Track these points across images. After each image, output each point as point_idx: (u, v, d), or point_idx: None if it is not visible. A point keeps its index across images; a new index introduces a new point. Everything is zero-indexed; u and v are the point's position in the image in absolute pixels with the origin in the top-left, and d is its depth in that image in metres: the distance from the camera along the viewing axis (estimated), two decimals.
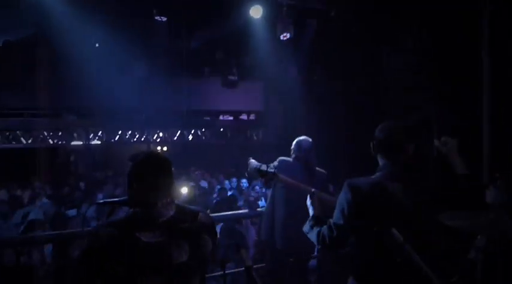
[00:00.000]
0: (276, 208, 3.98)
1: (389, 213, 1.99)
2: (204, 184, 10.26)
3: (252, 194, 7.98)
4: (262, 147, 12.97)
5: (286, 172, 3.70)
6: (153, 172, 1.92)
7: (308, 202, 2.56)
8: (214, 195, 8.43)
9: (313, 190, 2.72)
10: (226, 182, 10.32)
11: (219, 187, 9.32)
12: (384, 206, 2.00)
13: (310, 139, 4.06)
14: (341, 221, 2.05)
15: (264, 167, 3.26)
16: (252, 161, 4.28)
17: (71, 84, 9.15)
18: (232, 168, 11.73)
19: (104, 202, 2.17)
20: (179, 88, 10.64)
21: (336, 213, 2.08)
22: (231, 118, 13.00)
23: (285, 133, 9.70)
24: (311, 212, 2.48)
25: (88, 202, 6.93)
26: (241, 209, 6.51)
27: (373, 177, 2.11)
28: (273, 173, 3.17)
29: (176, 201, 2.01)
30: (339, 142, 8.36)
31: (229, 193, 8.52)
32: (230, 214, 5.09)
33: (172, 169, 2.03)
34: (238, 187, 9.73)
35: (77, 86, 9.03)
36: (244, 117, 13.14)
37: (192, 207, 2.07)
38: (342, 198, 2.07)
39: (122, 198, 2.08)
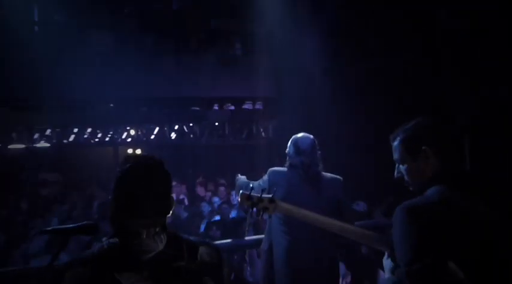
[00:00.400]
0: (274, 243, 3.97)
1: (471, 239, 2.04)
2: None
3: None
4: (271, 146, 13.02)
5: (282, 190, 3.67)
6: (137, 188, 1.92)
7: (386, 260, 2.41)
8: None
9: (347, 225, 2.70)
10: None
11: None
12: (465, 228, 2.05)
13: (311, 136, 4.09)
14: (422, 264, 1.99)
15: (255, 191, 3.08)
16: (241, 179, 4.23)
17: (7, 69, 9.21)
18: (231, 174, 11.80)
19: (53, 230, 2.13)
20: (157, 68, 10.67)
21: (407, 254, 2.03)
22: (231, 107, 13.08)
23: (303, 127, 9.60)
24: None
25: (34, 229, 7.03)
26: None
27: (428, 193, 2.16)
28: (271, 200, 2.98)
29: (169, 229, 2.00)
30: (377, 140, 8.39)
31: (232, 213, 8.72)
32: (233, 243, 5.20)
33: (171, 182, 2.04)
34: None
35: (16, 70, 9.16)
36: (248, 106, 13.20)
37: (192, 238, 2.07)
38: (405, 232, 2.04)
39: (81, 223, 2.08)
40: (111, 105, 11.80)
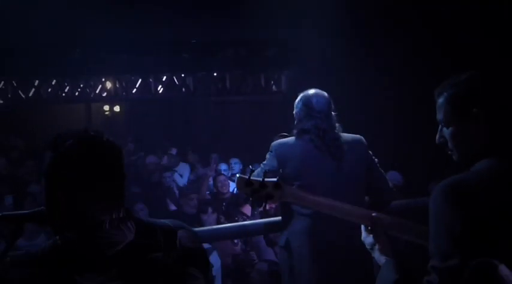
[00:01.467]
0: (292, 235, 3.95)
1: None
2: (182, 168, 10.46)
3: None
4: (285, 104, 12.94)
5: (293, 166, 3.70)
6: (90, 170, 1.92)
7: (366, 238, 2.52)
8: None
9: (373, 214, 2.54)
10: (223, 165, 10.49)
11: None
12: None
13: (325, 93, 4.04)
14: (460, 258, 1.98)
15: (256, 174, 2.90)
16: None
17: None
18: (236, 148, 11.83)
19: (2, 216, 2.13)
20: (140, 4, 10.53)
21: (442, 246, 2.03)
22: (244, 53, 12.82)
23: (324, 80, 9.63)
24: (380, 256, 2.43)
25: None
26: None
27: (477, 167, 2.14)
28: (276, 185, 2.72)
29: (136, 215, 2.02)
30: (411, 101, 8.40)
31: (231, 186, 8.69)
32: (232, 228, 5.13)
33: (123, 162, 2.03)
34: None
35: None
36: (253, 51, 13.06)
37: (164, 222, 2.07)
38: (446, 216, 2.04)
39: (36, 209, 2.07)
40: (82, 50, 11.67)
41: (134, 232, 1.94)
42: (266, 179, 2.71)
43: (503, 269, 1.86)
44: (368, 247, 2.52)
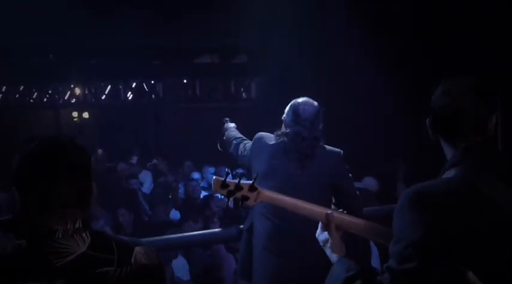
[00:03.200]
0: (255, 231, 4.16)
1: (502, 236, 2.05)
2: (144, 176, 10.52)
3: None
4: (255, 110, 13.02)
5: (261, 164, 3.91)
6: (46, 174, 1.89)
7: (320, 235, 2.60)
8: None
9: (328, 211, 2.67)
10: (196, 174, 10.51)
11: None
12: (486, 223, 2.05)
13: (316, 103, 4.10)
14: (418, 263, 2.04)
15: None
16: (230, 128, 4.52)
17: None
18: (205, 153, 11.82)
19: None
20: (110, 10, 10.51)
21: (405, 250, 2.07)
22: (204, 60, 12.92)
23: (293, 86, 9.65)
24: (332, 254, 2.50)
25: None
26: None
27: (447, 176, 2.17)
28: (251, 187, 2.89)
29: (93, 227, 1.97)
30: (386, 104, 8.49)
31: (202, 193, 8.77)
32: (191, 237, 5.16)
33: (90, 166, 2.01)
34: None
35: None
36: (221, 59, 13.11)
37: (123, 239, 2.06)
38: (411, 221, 2.08)
39: (4, 218, 2.02)
40: (51, 56, 11.65)
41: (88, 243, 1.90)
42: (242, 181, 2.83)
43: (471, 276, 1.94)
44: (321, 244, 2.59)
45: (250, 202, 2.90)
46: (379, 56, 8.73)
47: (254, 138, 4.17)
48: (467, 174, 2.13)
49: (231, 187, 2.83)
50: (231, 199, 2.86)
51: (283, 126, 4.09)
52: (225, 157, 10.73)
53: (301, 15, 9.63)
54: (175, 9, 10.58)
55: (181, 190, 9.12)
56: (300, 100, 4.09)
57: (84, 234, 1.91)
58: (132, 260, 1.94)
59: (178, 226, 6.89)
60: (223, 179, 2.82)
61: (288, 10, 9.85)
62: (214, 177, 2.86)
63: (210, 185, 9.56)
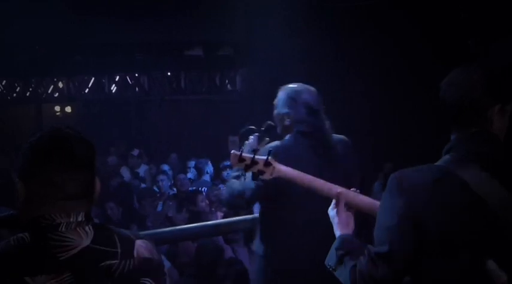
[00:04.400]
0: (272, 243, 3.77)
1: (478, 227, 2.07)
2: (143, 169, 10.50)
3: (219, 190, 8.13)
4: (241, 102, 13.04)
5: (288, 160, 3.39)
6: (49, 165, 1.88)
7: (331, 212, 2.64)
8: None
9: (338, 189, 2.73)
10: (192, 162, 10.58)
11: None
12: (466, 214, 2.08)
13: (313, 88, 3.83)
14: (389, 247, 2.09)
15: (247, 152, 3.13)
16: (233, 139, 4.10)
17: None
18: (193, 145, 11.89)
19: None
20: (93, 5, 10.48)
21: (380, 233, 2.14)
22: (190, 52, 12.94)
23: (279, 78, 9.67)
24: (337, 230, 2.53)
25: None
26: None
27: (438, 163, 2.20)
28: (266, 163, 3.01)
29: (96, 220, 1.97)
30: (390, 100, 8.59)
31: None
32: (188, 229, 5.14)
33: (94, 158, 2.00)
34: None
35: None
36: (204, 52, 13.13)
37: (124, 232, 2.05)
38: (388, 206, 2.13)
39: (6, 213, 2.07)
40: (37, 47, 11.63)
41: (92, 237, 1.90)
42: (257, 156, 2.99)
43: (491, 264, 1.96)
44: (331, 219, 2.62)
45: (266, 176, 3.07)
46: (367, 49, 8.80)
47: (268, 152, 3.51)
48: (451, 163, 2.14)
49: (248, 162, 3.00)
50: (250, 172, 3.06)
51: (285, 122, 3.73)
52: (209, 149, 10.82)
53: (286, 7, 9.69)
54: (160, 2, 10.60)
55: (165, 183, 9.12)
56: (296, 87, 3.79)
57: (87, 227, 1.90)
58: (135, 253, 1.95)
59: (168, 220, 6.92)
60: (239, 153, 3.01)
61: (272, 2, 9.91)
62: (232, 151, 3.04)
63: (195, 177, 9.80)
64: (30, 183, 1.89)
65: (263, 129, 3.88)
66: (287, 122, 3.73)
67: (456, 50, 7.11)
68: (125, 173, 10.42)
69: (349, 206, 2.66)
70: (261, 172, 3.04)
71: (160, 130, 13.62)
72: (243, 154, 3.02)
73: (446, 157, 2.18)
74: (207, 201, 7.78)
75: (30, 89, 12.84)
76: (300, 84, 3.85)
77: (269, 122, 3.88)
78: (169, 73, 13.37)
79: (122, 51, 12.10)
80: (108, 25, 10.62)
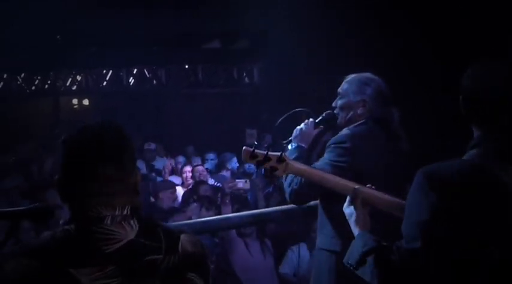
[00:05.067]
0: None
1: (509, 221, 2.06)
2: (160, 163, 10.55)
3: (240, 183, 8.06)
4: (257, 95, 13.04)
5: (369, 164, 3.24)
6: (93, 159, 1.89)
7: (347, 209, 2.65)
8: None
9: (355, 186, 2.70)
10: (211, 155, 10.59)
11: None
12: (498, 207, 2.06)
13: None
14: (422, 243, 2.07)
15: (296, 137, 3.28)
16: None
17: None
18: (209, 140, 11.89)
19: None
20: None
21: (411, 229, 2.12)
22: (216, 46, 12.94)
23: (298, 72, 9.70)
24: (355, 228, 2.53)
25: None
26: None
27: (464, 157, 2.17)
28: (279, 159, 2.96)
29: (141, 213, 1.98)
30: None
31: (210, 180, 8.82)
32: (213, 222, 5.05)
33: (134, 151, 2.01)
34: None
35: None
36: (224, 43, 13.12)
37: (169, 226, 2.05)
38: (419, 201, 2.11)
39: (32, 206, 2.05)
40: (51, 43, 11.64)
41: (136, 231, 1.91)
42: (270, 153, 2.96)
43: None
44: (347, 217, 2.62)
45: (279, 173, 3.03)
46: (383, 43, 8.77)
47: (344, 139, 3.43)
48: (482, 157, 2.13)
49: (260, 158, 2.97)
50: (261, 168, 3.02)
51: (358, 111, 3.51)
52: (227, 143, 10.79)
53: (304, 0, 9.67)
54: None
55: (185, 175, 9.12)
56: (370, 76, 3.58)
57: (132, 221, 1.91)
58: (180, 248, 1.95)
59: (182, 212, 6.91)
60: (252, 149, 2.96)
61: None
62: (244, 147, 2.99)
63: (211, 170, 9.81)
64: (73, 178, 1.90)
65: (323, 116, 3.68)
66: (360, 110, 3.52)
67: (457, 50, 7.12)
68: (141, 166, 10.47)
69: (366, 203, 2.65)
70: (274, 169, 3.00)
71: (177, 123, 13.63)
72: (256, 151, 2.98)
73: (473, 151, 2.17)
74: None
75: (49, 82, 12.92)
76: (368, 74, 3.64)
77: (329, 111, 3.68)
78: (186, 66, 13.38)
79: (140, 44, 12.12)
80: (126, 18, 10.64)
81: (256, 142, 3.12)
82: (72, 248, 1.83)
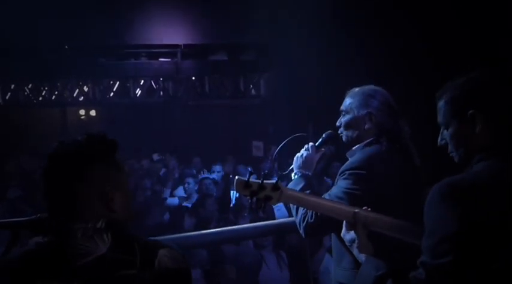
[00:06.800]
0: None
1: None
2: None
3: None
4: (264, 107, 13.03)
5: (391, 186, 3.01)
6: (69, 173, 1.89)
7: (346, 234, 2.58)
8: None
9: (356, 210, 2.59)
10: (217, 167, 10.49)
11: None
12: None
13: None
14: (453, 257, 2.02)
15: (299, 164, 3.15)
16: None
17: None
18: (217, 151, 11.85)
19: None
20: (118, 9, 10.52)
21: (438, 245, 2.06)
22: (223, 58, 12.96)
23: (304, 84, 9.68)
24: (359, 254, 2.47)
25: None
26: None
27: (476, 169, 2.16)
28: (275, 187, 2.80)
29: (117, 227, 1.97)
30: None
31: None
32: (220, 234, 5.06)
33: (121, 164, 2.02)
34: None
35: None
36: (229, 55, 13.14)
37: (148, 240, 2.03)
38: (444, 216, 2.06)
39: (33, 217, 2.07)
40: (58, 53, 11.69)
41: (109, 245, 1.89)
42: (265, 181, 2.81)
43: None
44: (348, 244, 2.58)
45: (273, 202, 2.87)
46: (388, 52, 8.76)
47: (361, 165, 3.15)
48: (497, 167, 2.12)
49: (254, 188, 2.81)
50: (254, 199, 2.83)
51: (365, 126, 3.27)
52: (233, 153, 10.70)
53: (310, 12, 9.66)
54: (184, 7, 10.62)
55: (191, 186, 9.07)
56: (375, 87, 3.35)
57: (105, 235, 1.90)
58: (156, 263, 1.91)
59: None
60: (246, 179, 2.80)
61: (297, 7, 9.89)
62: (236, 177, 2.83)
63: (219, 183, 9.77)
64: (47, 191, 1.91)
65: (323, 137, 3.51)
66: (367, 126, 3.25)
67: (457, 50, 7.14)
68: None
69: (365, 227, 2.57)
70: (268, 198, 2.84)
71: (184, 135, 13.62)
72: (251, 180, 2.80)
73: (489, 160, 2.15)
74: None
75: (56, 92, 12.92)
76: (374, 86, 3.40)
77: (329, 131, 3.50)
78: (193, 78, 13.39)
79: (147, 55, 12.13)
80: (134, 29, 10.66)
81: (251, 170, 2.97)
82: (41, 261, 1.84)
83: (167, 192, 9.41)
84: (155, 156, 11.63)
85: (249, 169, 3.04)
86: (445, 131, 2.26)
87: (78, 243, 1.85)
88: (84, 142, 1.94)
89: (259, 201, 2.86)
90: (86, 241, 1.86)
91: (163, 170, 10.76)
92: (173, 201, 8.88)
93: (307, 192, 3.17)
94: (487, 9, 7.07)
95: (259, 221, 5.46)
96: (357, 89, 3.36)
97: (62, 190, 1.88)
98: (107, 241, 1.89)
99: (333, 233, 3.33)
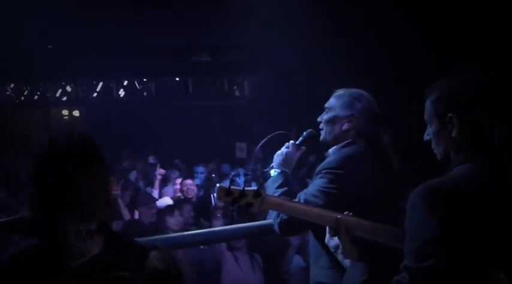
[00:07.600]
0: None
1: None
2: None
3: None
4: (248, 109, 13.03)
5: (358, 176, 3.02)
6: (59, 173, 1.88)
7: (330, 241, 2.60)
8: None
9: (338, 216, 2.59)
10: (200, 168, 10.51)
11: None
12: (502, 214, 2.08)
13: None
14: (435, 260, 2.04)
15: (280, 163, 3.14)
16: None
17: None
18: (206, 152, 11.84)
19: None
20: (102, 8, 10.48)
21: (421, 248, 2.07)
22: (197, 58, 12.97)
23: (290, 85, 9.71)
24: (344, 260, 2.48)
25: None
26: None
27: (457, 172, 2.18)
28: (256, 193, 2.82)
29: (113, 227, 2.00)
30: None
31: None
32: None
33: (104, 165, 1.98)
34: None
35: None
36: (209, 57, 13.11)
37: (140, 242, 2.03)
38: (425, 219, 2.08)
39: (11, 218, 2.06)
40: (40, 53, 11.58)
41: (101, 246, 1.91)
42: (246, 188, 2.81)
43: (500, 275, 1.96)
44: (332, 250, 2.58)
45: (254, 209, 2.87)
46: (375, 53, 8.79)
47: (337, 165, 3.16)
48: (477, 171, 2.14)
49: (236, 195, 2.81)
50: (235, 206, 2.83)
51: (345, 126, 3.27)
52: (217, 155, 10.64)
53: (294, 13, 9.67)
54: (168, 7, 10.59)
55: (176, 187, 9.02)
56: (361, 91, 3.35)
57: (98, 237, 1.90)
58: (147, 265, 1.92)
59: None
60: (227, 187, 2.79)
61: (281, 8, 9.90)
62: (218, 185, 2.82)
63: (202, 184, 9.76)
64: (40, 193, 1.89)
65: (304, 136, 3.48)
66: (345, 126, 3.27)
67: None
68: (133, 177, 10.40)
69: (348, 231, 2.56)
70: (250, 205, 2.84)
71: (167, 135, 13.61)
72: (232, 187, 2.80)
73: (468, 164, 2.17)
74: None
75: (38, 93, 12.88)
76: (359, 89, 3.39)
77: (310, 130, 3.48)
78: (177, 79, 13.37)
79: (130, 56, 12.10)
80: (117, 29, 10.62)
81: (232, 177, 2.97)
82: (34, 263, 1.85)
83: (155, 192, 9.39)
84: (151, 159, 11.61)
85: (231, 175, 3.00)
86: (430, 128, 2.29)
87: (72, 245, 1.85)
88: (77, 145, 1.92)
89: (241, 208, 2.88)
90: (79, 242, 1.86)
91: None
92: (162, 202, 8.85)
93: (285, 188, 3.19)
94: (487, 9, 7.11)
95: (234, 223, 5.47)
96: (344, 90, 3.35)
97: (54, 193, 1.87)
98: (99, 243, 1.90)
99: (310, 232, 3.33)
